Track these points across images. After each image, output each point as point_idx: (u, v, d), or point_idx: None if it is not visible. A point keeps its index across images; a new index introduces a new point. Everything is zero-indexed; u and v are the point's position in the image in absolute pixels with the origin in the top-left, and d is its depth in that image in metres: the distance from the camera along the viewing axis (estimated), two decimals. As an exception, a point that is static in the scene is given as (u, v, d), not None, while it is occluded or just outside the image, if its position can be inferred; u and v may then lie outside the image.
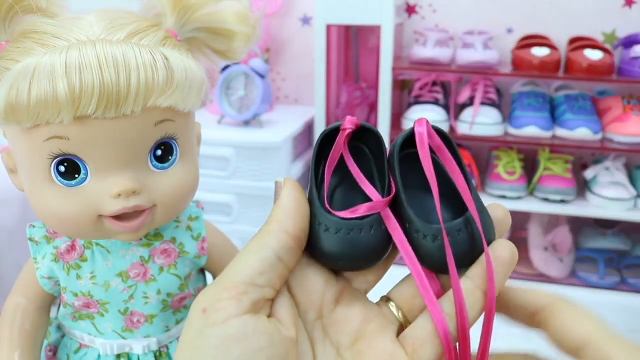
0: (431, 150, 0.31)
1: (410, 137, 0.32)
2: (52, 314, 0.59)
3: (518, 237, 1.56)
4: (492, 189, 1.44)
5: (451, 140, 0.32)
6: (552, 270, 1.46)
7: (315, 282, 0.32)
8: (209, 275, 0.62)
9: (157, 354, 0.56)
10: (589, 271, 1.46)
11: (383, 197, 0.31)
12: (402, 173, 0.32)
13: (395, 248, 0.32)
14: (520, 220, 1.55)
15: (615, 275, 1.44)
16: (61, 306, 0.57)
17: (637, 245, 1.48)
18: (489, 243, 0.30)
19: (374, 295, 0.34)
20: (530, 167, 1.52)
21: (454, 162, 0.31)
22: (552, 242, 1.49)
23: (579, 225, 1.54)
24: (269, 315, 0.29)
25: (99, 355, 0.56)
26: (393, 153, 0.32)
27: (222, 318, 0.27)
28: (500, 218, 0.32)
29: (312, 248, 0.31)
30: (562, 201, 1.40)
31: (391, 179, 0.32)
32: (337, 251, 0.30)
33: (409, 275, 0.33)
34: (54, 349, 0.59)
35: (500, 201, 1.42)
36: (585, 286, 1.44)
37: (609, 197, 1.37)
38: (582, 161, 1.56)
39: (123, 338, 0.55)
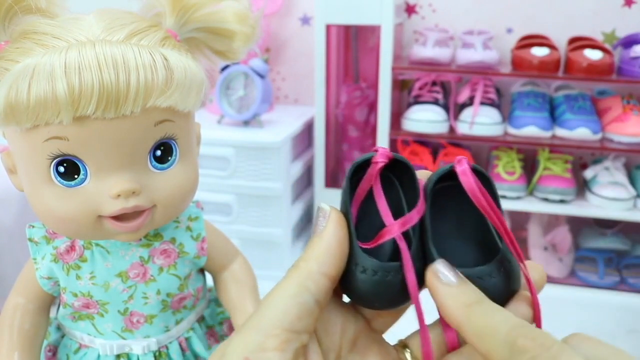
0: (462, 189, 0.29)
1: (445, 174, 0.30)
2: (52, 314, 0.59)
3: (518, 237, 1.56)
4: (492, 189, 1.44)
5: (490, 179, 0.30)
6: (551, 270, 1.46)
7: (336, 322, 0.31)
8: (208, 276, 0.62)
9: (157, 354, 0.56)
10: (588, 271, 1.46)
11: (412, 234, 0.30)
12: (434, 211, 0.31)
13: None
14: (520, 220, 1.55)
15: (615, 275, 1.44)
16: (61, 306, 0.57)
17: (637, 245, 1.48)
18: (513, 293, 0.29)
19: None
20: (530, 167, 1.52)
21: (493, 204, 0.29)
22: (552, 242, 1.49)
23: (578, 225, 1.54)
24: None
25: (98, 356, 0.56)
26: (426, 189, 0.30)
27: None
28: (535, 280, 0.30)
29: (346, 288, 0.30)
30: (561, 201, 1.40)
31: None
32: (374, 293, 0.29)
33: (430, 325, 0.32)
34: (54, 349, 0.59)
35: (500, 201, 1.41)
36: (585, 286, 1.44)
37: (608, 197, 1.37)
38: (582, 161, 1.56)
39: (123, 338, 0.55)
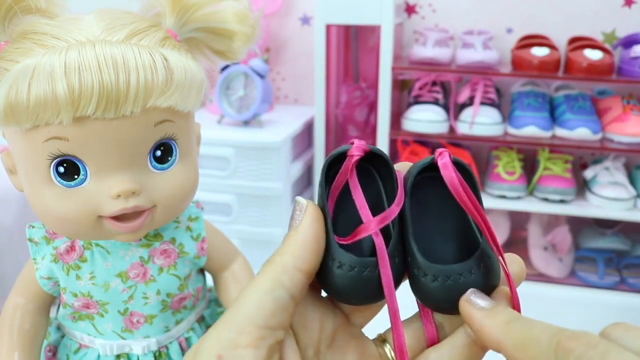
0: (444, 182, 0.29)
1: (426, 167, 0.30)
2: (52, 314, 0.59)
3: (518, 237, 1.56)
4: (492, 189, 1.44)
5: (471, 173, 0.29)
6: (551, 270, 1.46)
7: (314, 317, 0.31)
8: (208, 276, 0.62)
9: (157, 354, 0.56)
10: (588, 271, 1.46)
11: (391, 227, 0.30)
12: (414, 203, 0.30)
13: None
14: (520, 220, 1.55)
15: (614, 275, 1.44)
16: (61, 306, 0.57)
17: (637, 245, 1.48)
18: (493, 288, 0.29)
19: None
20: (530, 167, 1.52)
21: (474, 198, 0.28)
22: (552, 242, 1.49)
23: (578, 225, 1.54)
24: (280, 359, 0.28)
25: (98, 356, 0.56)
26: (406, 182, 0.30)
27: None
28: (515, 273, 0.30)
29: (323, 283, 0.30)
30: (561, 201, 1.40)
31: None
32: (351, 289, 0.29)
33: (409, 319, 0.32)
34: (54, 349, 0.59)
35: (500, 201, 1.42)
36: (585, 286, 1.44)
37: (608, 197, 1.37)
38: (582, 161, 1.56)
39: (123, 338, 0.55)
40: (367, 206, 0.29)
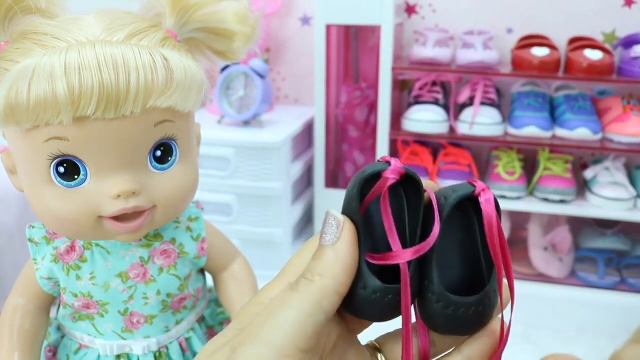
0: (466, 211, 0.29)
1: (464, 197, 0.29)
2: (52, 314, 0.59)
3: (518, 237, 1.56)
4: (492, 189, 1.43)
5: (500, 211, 0.29)
6: (551, 270, 1.46)
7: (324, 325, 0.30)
8: (208, 276, 0.62)
9: (157, 354, 0.56)
10: (588, 271, 1.45)
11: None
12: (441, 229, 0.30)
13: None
14: (520, 220, 1.55)
15: (615, 275, 1.44)
16: (61, 307, 0.57)
17: (637, 245, 1.48)
18: (490, 320, 0.30)
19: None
20: (530, 167, 1.52)
21: (504, 241, 0.28)
22: (552, 242, 1.49)
23: (578, 225, 1.53)
24: None
25: (98, 356, 0.56)
26: (443, 209, 0.29)
27: None
28: (504, 297, 0.31)
29: (344, 300, 0.29)
30: (561, 201, 1.40)
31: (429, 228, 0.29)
32: (370, 309, 0.29)
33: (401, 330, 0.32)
34: (54, 350, 0.59)
35: (500, 201, 1.41)
36: (585, 286, 1.44)
37: (608, 197, 1.36)
38: (582, 161, 1.56)
39: (123, 339, 0.55)
40: (395, 232, 0.29)
